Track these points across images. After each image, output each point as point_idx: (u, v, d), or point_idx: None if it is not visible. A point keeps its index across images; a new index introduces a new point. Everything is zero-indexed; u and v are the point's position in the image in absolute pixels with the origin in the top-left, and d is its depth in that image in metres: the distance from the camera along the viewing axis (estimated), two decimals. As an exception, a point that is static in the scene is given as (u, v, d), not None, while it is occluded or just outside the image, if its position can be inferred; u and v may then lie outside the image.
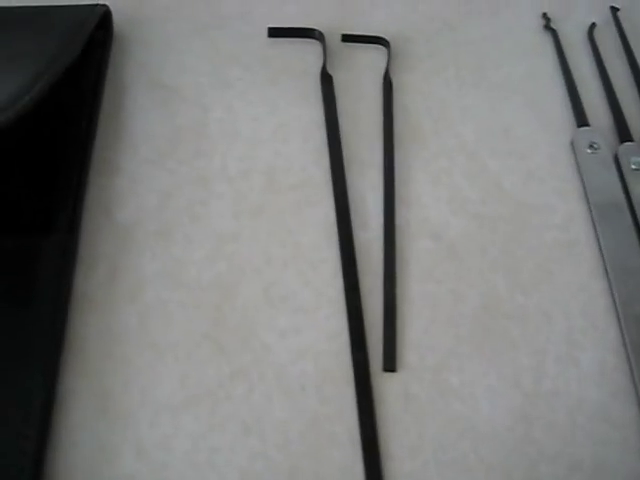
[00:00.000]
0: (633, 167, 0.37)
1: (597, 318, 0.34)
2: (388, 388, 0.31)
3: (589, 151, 0.38)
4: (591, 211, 0.36)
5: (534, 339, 0.33)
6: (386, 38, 0.42)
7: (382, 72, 0.41)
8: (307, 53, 0.42)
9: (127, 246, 0.35)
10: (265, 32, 0.43)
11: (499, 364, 0.32)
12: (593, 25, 0.44)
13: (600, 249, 0.35)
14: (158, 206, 0.36)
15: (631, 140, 0.39)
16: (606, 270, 0.35)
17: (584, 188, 0.37)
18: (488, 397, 0.31)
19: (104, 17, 0.41)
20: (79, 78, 0.39)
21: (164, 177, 0.37)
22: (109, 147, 0.38)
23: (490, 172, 0.38)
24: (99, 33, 0.41)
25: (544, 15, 0.44)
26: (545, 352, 0.33)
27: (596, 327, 0.33)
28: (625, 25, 0.44)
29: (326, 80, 0.41)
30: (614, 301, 0.34)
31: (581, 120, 0.40)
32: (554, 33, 0.44)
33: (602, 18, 0.45)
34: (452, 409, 0.31)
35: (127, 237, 0.35)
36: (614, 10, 0.45)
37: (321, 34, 0.42)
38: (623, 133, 0.39)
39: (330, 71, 0.41)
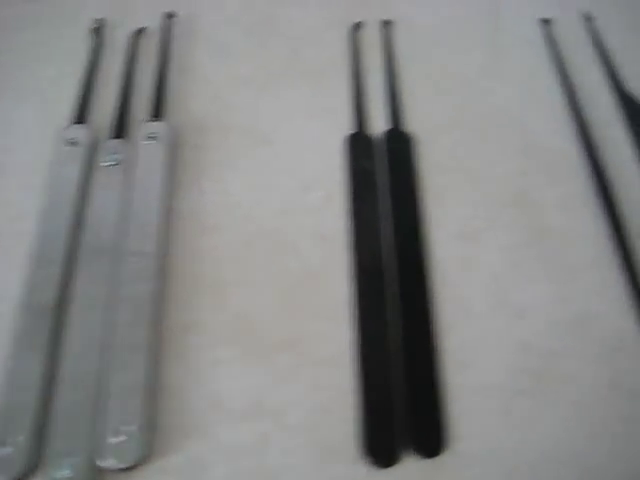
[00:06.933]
0: (105, 164, 0.39)
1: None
2: None
3: (67, 147, 0.39)
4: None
5: None
6: None
7: None
8: None
9: None
10: None
11: None
12: (142, 29, 0.46)
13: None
14: None
15: (121, 137, 0.40)
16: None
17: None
18: None
19: None
20: None
21: None
22: None
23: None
24: None
25: (96, 20, 0.46)
26: None
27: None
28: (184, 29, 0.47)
29: None
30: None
31: (77, 117, 0.41)
32: (98, 37, 0.46)
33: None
34: None
35: None
36: (169, 16, 0.47)
37: None
38: (116, 130, 0.41)
39: None
